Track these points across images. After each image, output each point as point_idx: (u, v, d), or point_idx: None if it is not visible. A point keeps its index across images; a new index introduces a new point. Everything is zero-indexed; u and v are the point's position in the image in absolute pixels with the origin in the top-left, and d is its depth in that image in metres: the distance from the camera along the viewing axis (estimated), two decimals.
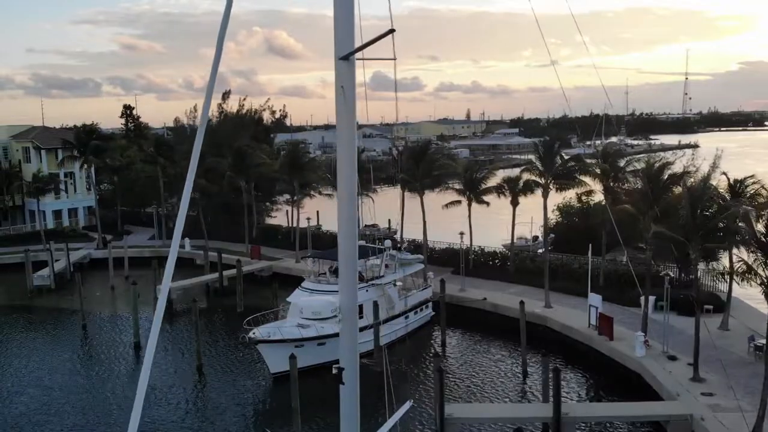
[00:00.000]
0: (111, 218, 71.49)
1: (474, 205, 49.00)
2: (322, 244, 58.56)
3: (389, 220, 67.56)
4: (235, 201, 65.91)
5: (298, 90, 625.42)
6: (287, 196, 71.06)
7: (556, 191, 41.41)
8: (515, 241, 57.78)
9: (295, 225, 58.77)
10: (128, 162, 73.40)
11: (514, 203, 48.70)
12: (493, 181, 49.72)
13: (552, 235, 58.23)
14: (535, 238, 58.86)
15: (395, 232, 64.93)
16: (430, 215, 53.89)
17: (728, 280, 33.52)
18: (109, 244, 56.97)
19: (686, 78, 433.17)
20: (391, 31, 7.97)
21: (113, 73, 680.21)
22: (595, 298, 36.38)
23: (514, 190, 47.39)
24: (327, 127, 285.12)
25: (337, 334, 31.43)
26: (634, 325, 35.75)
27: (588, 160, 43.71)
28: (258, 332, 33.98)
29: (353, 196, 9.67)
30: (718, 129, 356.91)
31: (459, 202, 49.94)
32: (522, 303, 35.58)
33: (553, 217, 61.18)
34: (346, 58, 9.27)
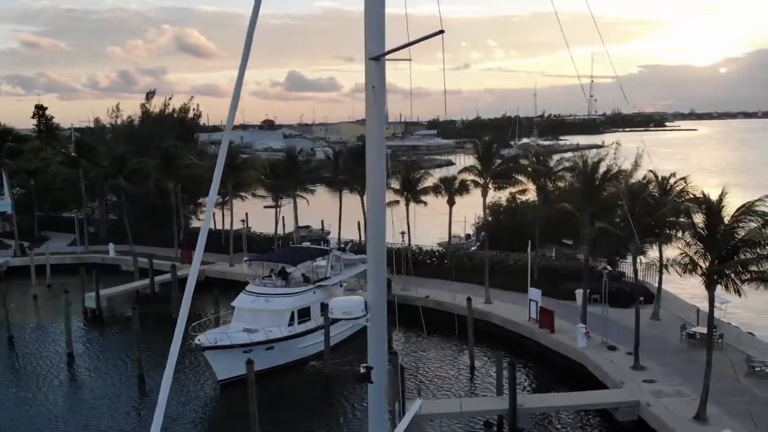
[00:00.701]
0: (26, 224, 67.60)
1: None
2: (257, 246, 57.68)
3: (322, 221, 67.28)
4: (160, 204, 63.95)
5: (210, 89, 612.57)
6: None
7: (494, 190, 42.49)
8: (454, 239, 59.05)
9: (227, 228, 57.48)
10: (44, 165, 69.76)
11: (451, 203, 49.71)
12: (429, 182, 50.53)
13: (483, 233, 59.82)
14: (468, 236, 60.19)
15: (329, 233, 64.84)
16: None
17: (659, 272, 35.47)
18: (31, 252, 54.07)
19: (592, 81, 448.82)
20: (441, 32, 8.07)
21: (12, 71, 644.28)
22: (534, 293, 37.62)
23: (450, 189, 48.38)
24: (245, 127, 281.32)
25: (284, 338, 31.31)
26: (570, 317, 37.19)
27: (522, 161, 45.10)
28: (204, 338, 33.17)
29: (382, 197, 9.73)
30: (622, 129, 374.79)
31: (397, 202, 50.36)
32: (469, 299, 36.44)
33: (483, 215, 62.98)
34: (376, 58, 9.32)
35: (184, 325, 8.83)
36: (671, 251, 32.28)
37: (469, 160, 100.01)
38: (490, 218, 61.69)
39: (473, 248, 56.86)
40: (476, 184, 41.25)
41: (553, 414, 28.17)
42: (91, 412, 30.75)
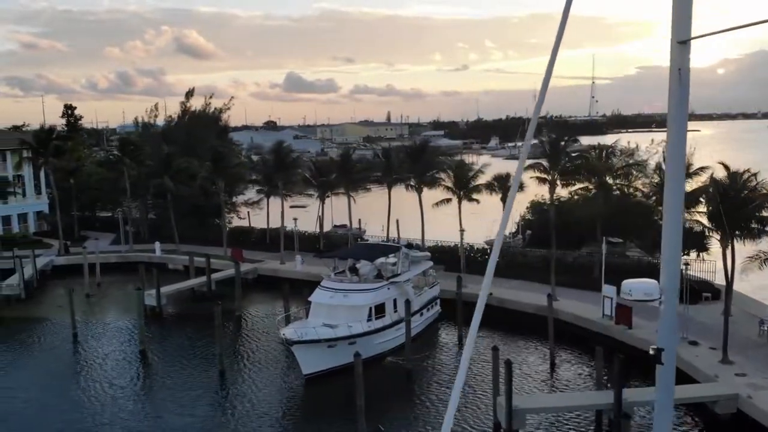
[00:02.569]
0: (64, 223, 67.60)
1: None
2: (303, 244, 57.61)
3: (359, 220, 67.38)
4: (203, 203, 64.11)
5: (209, 90, 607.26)
6: (246, 197, 69.76)
7: (562, 187, 42.68)
8: (495, 237, 59.22)
9: (276, 226, 57.58)
10: (80, 164, 69.80)
11: (504, 200, 49.82)
12: (481, 180, 50.69)
13: (528, 231, 60.12)
14: (514, 234, 60.37)
15: (364, 232, 65.11)
16: (407, 213, 54.39)
17: (731, 268, 35.69)
18: (85, 250, 54.03)
19: (593, 82, 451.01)
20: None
21: (10, 72, 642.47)
22: (609, 289, 37.76)
23: (505, 186, 48.58)
24: (247, 128, 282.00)
25: (366, 333, 31.43)
26: (640, 314, 37.37)
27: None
28: (289, 333, 33.30)
29: (681, 185, 9.87)
30: (625, 130, 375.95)
31: (449, 200, 50.60)
32: (550, 297, 36.58)
33: (523, 214, 63.23)
34: (684, 42, 9.48)
35: (481, 313, 8.71)
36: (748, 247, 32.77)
37: (482, 159, 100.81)
38: (531, 216, 62.26)
39: (519, 245, 57.02)
40: (542, 180, 41.36)
41: (652, 408, 28.33)
42: (180, 409, 30.71)
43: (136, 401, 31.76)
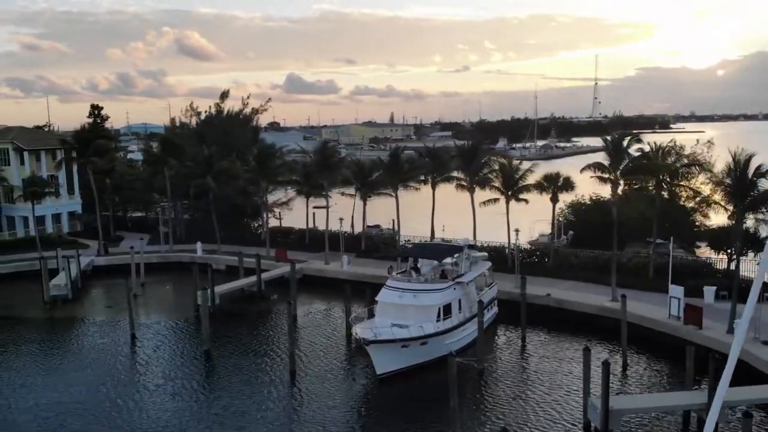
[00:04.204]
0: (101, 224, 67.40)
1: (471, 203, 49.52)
2: (348, 243, 57.28)
3: (393, 221, 67.26)
4: (243, 203, 64.00)
5: (210, 92, 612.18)
6: (275, 198, 69.59)
7: (625, 185, 42.56)
8: (537, 237, 59.22)
9: (320, 227, 57.41)
10: (114, 164, 69.57)
11: (554, 200, 49.86)
12: (530, 180, 50.63)
13: (571, 232, 60.04)
14: (556, 234, 60.24)
15: (397, 232, 64.89)
16: (442, 213, 54.31)
17: None
18: (132, 250, 53.80)
19: (596, 83, 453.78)
20: None
21: (11, 74, 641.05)
22: (676, 290, 37.68)
23: (555, 186, 48.56)
24: (265, 129, 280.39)
25: (437, 334, 31.27)
26: (708, 314, 37.24)
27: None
28: (363, 332, 33.17)
29: None
30: (629, 132, 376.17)
31: (497, 199, 50.54)
32: (624, 297, 36.36)
33: (565, 214, 63.11)
34: None
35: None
36: None
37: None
38: (572, 217, 62.18)
39: (563, 246, 56.90)
40: (604, 180, 41.25)
41: (742, 407, 28.25)
42: (253, 410, 30.48)
43: (207, 402, 31.48)
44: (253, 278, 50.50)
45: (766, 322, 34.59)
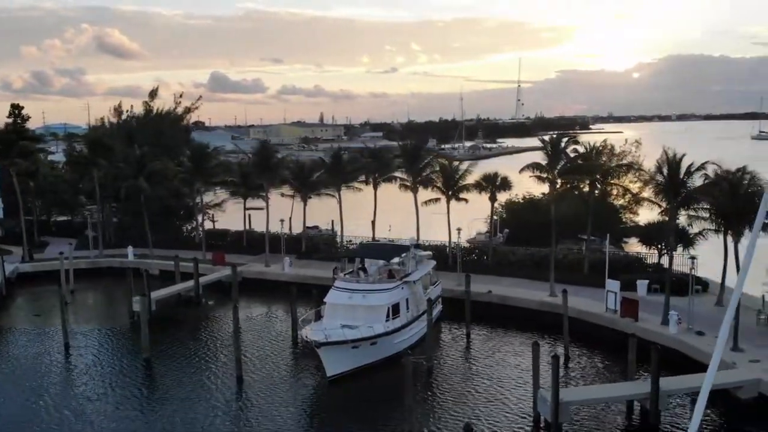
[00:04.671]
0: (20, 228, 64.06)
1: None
2: (287, 245, 56.57)
3: (332, 221, 66.95)
4: (175, 205, 62.30)
5: (131, 90, 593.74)
6: (207, 199, 68.11)
7: (562, 186, 43.72)
8: (475, 235, 60.24)
9: (256, 228, 56.44)
10: (36, 167, 66.23)
11: (493, 199, 50.85)
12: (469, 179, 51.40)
13: (506, 230, 61.36)
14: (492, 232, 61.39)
15: (336, 233, 64.65)
16: (382, 213, 54.58)
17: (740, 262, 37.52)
18: (61, 255, 51.35)
19: (519, 86, 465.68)
20: None
21: None
22: (613, 284, 39.09)
23: (493, 186, 49.55)
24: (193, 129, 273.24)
25: (387, 333, 31.63)
26: (644, 307, 38.74)
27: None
28: (312, 335, 32.86)
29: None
30: (552, 132, 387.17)
31: (438, 199, 51.12)
32: (565, 292, 37.32)
33: (500, 213, 64.41)
34: None
35: None
36: None
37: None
38: (505, 215, 63.56)
39: (499, 243, 58.05)
40: (543, 179, 42.36)
41: (682, 395, 29.59)
42: (202, 417, 29.68)
43: (153, 410, 30.44)
44: (191, 283, 49.19)
45: (697, 313, 36.49)
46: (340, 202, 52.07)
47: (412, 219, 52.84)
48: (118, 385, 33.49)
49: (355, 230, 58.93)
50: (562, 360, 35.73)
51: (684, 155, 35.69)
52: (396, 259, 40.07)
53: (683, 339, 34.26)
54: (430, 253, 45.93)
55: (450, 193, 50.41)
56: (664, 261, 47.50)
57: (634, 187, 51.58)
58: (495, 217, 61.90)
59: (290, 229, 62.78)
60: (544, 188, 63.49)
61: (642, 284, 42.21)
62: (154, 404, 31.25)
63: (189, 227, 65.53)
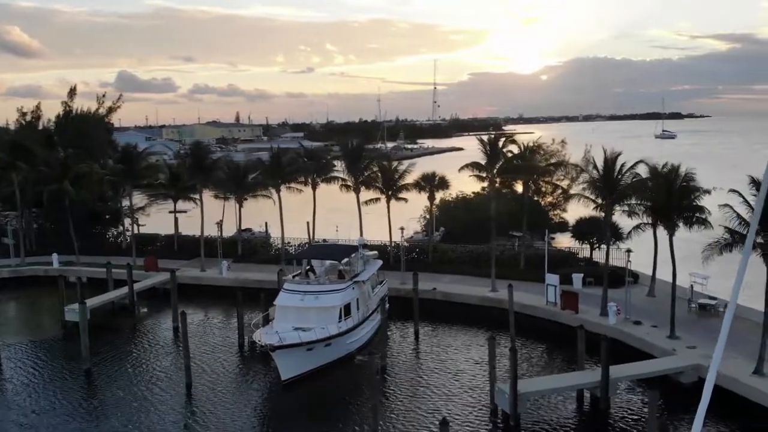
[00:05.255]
0: None
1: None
2: (214, 250, 55.27)
3: (266, 223, 66.06)
4: (100, 209, 59.85)
5: (32, 90, 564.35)
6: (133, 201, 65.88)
7: (500, 185, 44.87)
8: (413, 234, 60.94)
9: (183, 232, 54.91)
10: None
11: (431, 199, 51.65)
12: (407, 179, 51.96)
13: (442, 228, 62.41)
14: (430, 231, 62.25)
15: (270, 236, 63.93)
16: (320, 214, 54.46)
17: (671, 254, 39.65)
18: None
19: (435, 87, 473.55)
20: None
21: None
22: (552, 278, 40.55)
23: (432, 185, 50.39)
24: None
25: (340, 334, 32.33)
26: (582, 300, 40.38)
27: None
28: (266, 338, 32.42)
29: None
30: (467, 133, 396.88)
31: (378, 199, 51.42)
32: (510, 287, 38.25)
33: (434, 212, 65.40)
34: None
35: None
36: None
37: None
38: (437, 215, 64.61)
39: (436, 241, 58.95)
40: (482, 178, 43.43)
41: (627, 382, 31.05)
42: (154, 424, 28.86)
43: (100, 422, 29.20)
44: (125, 290, 47.30)
45: (633, 304, 38.37)
46: (280, 203, 51.40)
47: (348, 219, 52.90)
48: (63, 397, 31.92)
49: (292, 232, 58.28)
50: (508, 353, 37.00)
51: (620, 153, 37.43)
52: (344, 260, 40.04)
53: (622, 329, 35.94)
54: (376, 253, 46.15)
55: (389, 192, 50.70)
56: (596, 255, 49.94)
57: (563, 184, 53.60)
58: (427, 216, 63.04)
59: (221, 232, 61.45)
60: (476, 187, 65.47)
61: (577, 277, 43.93)
62: (103, 415, 29.98)
63: (115, 232, 62.97)
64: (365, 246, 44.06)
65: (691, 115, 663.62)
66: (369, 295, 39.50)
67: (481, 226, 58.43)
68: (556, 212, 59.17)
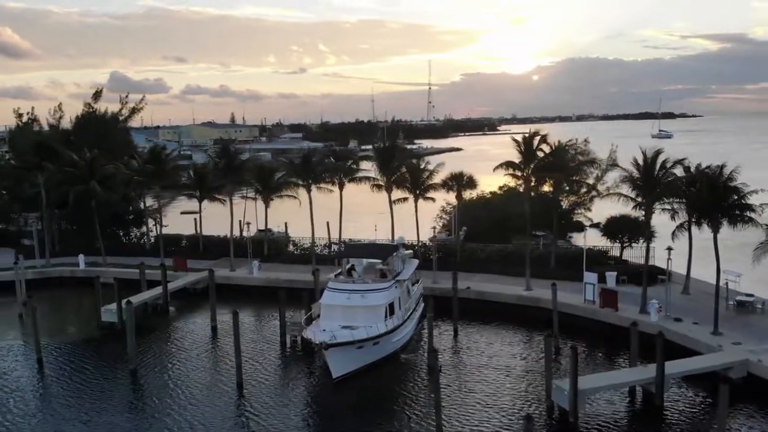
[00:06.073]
0: None
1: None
2: (241, 249, 55.26)
3: (285, 224, 66.20)
4: (124, 211, 59.79)
5: (23, 91, 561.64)
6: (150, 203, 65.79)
7: (534, 183, 45.11)
8: (437, 234, 61.13)
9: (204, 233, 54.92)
10: None
11: (459, 198, 51.89)
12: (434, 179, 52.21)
13: (464, 228, 62.64)
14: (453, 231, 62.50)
15: (289, 236, 64.04)
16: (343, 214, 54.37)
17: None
18: (17, 265, 48.05)
19: (430, 88, 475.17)
20: None
21: None
22: (590, 276, 40.86)
23: (460, 185, 50.69)
24: None
25: (387, 333, 32.48)
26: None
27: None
28: (318, 336, 32.59)
29: None
30: (464, 133, 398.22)
31: (406, 199, 51.66)
32: (554, 285, 38.49)
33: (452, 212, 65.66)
34: None
35: None
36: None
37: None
38: (450, 215, 64.89)
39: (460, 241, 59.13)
40: (516, 177, 43.71)
41: (678, 379, 31.36)
42: (204, 427, 28.94)
43: (153, 422, 29.24)
44: (158, 290, 47.31)
45: (672, 302, 38.76)
46: (310, 203, 51.51)
47: (367, 219, 53.09)
48: (114, 397, 31.94)
49: (307, 232, 58.13)
50: (553, 351, 37.24)
51: (660, 152, 37.74)
52: (391, 259, 40.23)
53: (665, 326, 36.23)
54: (412, 252, 46.36)
55: (417, 192, 50.95)
56: (626, 253, 50.34)
57: (589, 182, 53.77)
58: (448, 217, 63.37)
59: (240, 232, 61.45)
60: (494, 187, 65.76)
61: (611, 276, 44.22)
62: (157, 413, 30.04)
63: (139, 233, 62.86)
64: (403, 245, 44.24)
65: (683, 115, 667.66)
66: (409, 294, 39.71)
67: (501, 225, 58.96)
68: (579, 211, 59.35)
